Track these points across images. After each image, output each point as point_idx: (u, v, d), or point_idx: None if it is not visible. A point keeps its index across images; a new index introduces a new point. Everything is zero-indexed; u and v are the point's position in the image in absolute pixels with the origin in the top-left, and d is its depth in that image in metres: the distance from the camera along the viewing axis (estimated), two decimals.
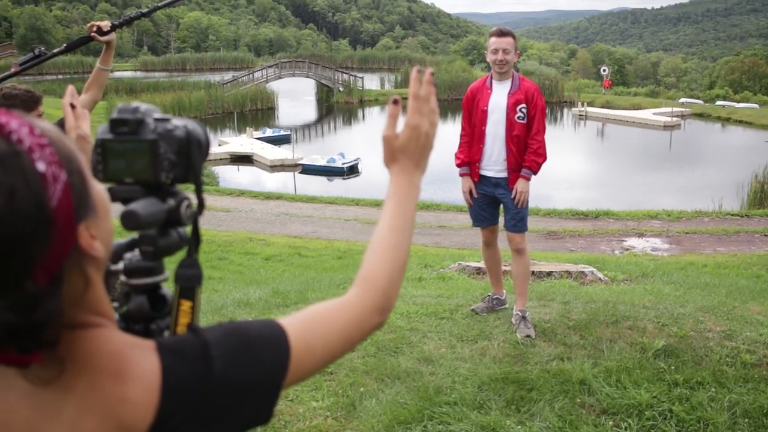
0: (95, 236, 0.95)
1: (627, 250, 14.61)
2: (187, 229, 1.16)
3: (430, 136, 1.34)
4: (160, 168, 1.07)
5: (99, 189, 1.00)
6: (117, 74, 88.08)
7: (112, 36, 3.10)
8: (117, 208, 1.07)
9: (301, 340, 1.09)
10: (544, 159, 5.32)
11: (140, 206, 1.04)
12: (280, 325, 1.09)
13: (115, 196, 1.08)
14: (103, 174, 1.07)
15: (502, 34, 5.23)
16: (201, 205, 1.14)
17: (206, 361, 0.99)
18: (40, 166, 0.86)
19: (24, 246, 0.83)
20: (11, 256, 0.82)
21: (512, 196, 5.32)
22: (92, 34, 3.04)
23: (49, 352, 0.92)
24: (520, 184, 5.29)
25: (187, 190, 1.17)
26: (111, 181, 1.09)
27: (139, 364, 0.96)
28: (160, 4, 3.32)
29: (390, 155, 1.32)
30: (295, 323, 1.11)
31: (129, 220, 1.03)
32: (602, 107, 55.37)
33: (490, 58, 5.30)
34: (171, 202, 1.10)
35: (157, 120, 1.09)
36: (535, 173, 5.32)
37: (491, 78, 5.37)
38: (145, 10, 3.19)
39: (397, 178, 1.32)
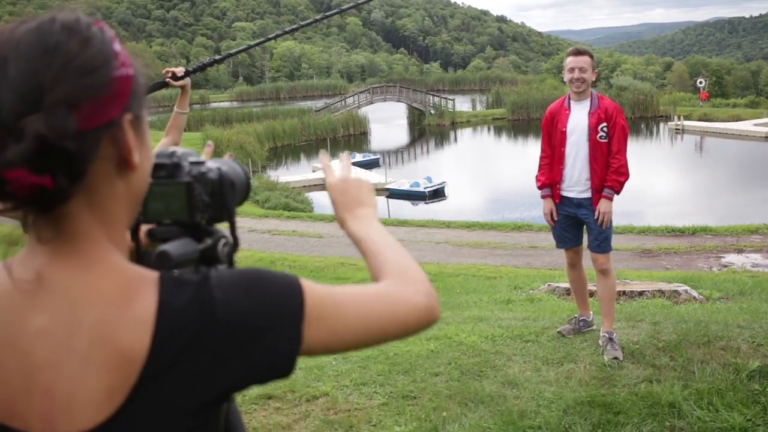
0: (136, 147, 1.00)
1: (725, 266, 14.14)
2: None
3: (355, 179, 1.45)
4: (195, 209, 1.14)
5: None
6: (213, 105, 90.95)
7: (187, 81, 3.16)
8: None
9: (321, 291, 1.08)
10: (627, 178, 5.24)
11: (172, 247, 1.10)
12: (295, 275, 1.08)
13: (155, 236, 1.16)
14: (143, 215, 1.13)
15: (578, 53, 5.22)
16: (236, 243, 1.21)
17: (205, 291, 0.98)
18: (116, 46, 0.98)
19: (78, 78, 0.91)
20: (64, 79, 0.90)
21: (595, 217, 5.25)
22: (167, 79, 3.13)
23: (61, 217, 0.95)
24: (602, 205, 5.22)
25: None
26: (151, 223, 1.16)
27: (139, 295, 0.97)
28: (233, 51, 3.43)
29: (337, 215, 1.40)
30: (311, 283, 1.09)
31: (162, 260, 1.08)
32: (700, 120, 53.93)
33: (567, 77, 5.28)
34: (208, 241, 1.16)
35: (192, 163, 1.16)
36: (617, 193, 5.24)
37: (569, 98, 5.35)
38: (218, 57, 3.29)
39: (363, 228, 1.34)
